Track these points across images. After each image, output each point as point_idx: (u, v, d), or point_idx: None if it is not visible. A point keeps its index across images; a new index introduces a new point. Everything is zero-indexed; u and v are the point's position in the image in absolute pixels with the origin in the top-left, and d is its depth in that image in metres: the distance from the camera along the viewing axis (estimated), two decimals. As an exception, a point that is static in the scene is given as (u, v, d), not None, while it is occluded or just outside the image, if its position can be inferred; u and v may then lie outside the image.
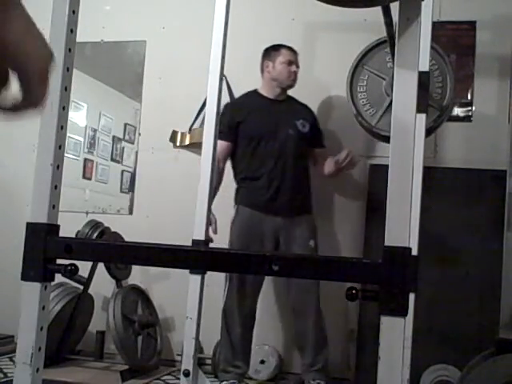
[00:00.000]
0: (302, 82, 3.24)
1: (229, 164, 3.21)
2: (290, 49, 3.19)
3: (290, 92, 3.24)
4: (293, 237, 3.05)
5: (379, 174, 3.17)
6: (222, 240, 2.92)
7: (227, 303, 3.04)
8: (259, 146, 3.09)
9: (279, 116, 3.15)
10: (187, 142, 3.64)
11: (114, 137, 3.94)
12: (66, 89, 1.29)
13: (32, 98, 0.62)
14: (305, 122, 3.16)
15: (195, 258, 1.26)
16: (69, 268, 1.26)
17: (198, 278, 2.09)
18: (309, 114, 3.25)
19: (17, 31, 0.60)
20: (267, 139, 3.09)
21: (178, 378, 2.79)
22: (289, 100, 3.24)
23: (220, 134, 3.10)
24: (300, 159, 3.13)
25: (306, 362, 3.04)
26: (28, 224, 1.27)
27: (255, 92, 3.23)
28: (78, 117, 3.94)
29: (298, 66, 3.19)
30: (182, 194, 3.42)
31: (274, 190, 3.05)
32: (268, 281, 3.36)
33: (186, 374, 2.07)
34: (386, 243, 1.09)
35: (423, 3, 1.15)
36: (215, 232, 3.00)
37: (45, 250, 1.24)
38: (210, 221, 3.09)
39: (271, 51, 3.19)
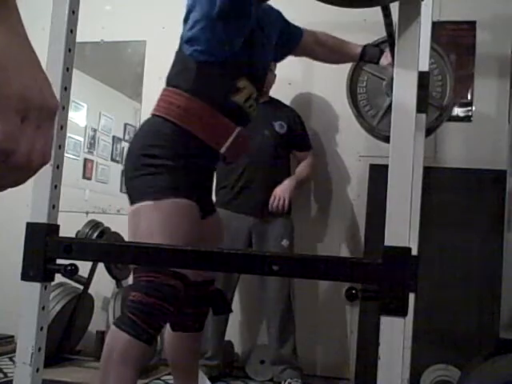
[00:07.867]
0: (303, 82, 3.23)
1: None
2: None
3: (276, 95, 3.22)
4: (265, 236, 3.04)
5: (379, 173, 3.17)
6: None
7: None
8: None
9: (255, 117, 3.15)
10: (187, 142, 3.64)
11: (113, 137, 3.94)
12: (65, 89, 1.29)
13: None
14: (283, 124, 3.14)
15: (195, 258, 1.26)
16: (69, 268, 1.26)
17: (197, 278, 2.08)
18: (290, 117, 3.21)
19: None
20: None
21: (178, 378, 2.78)
22: (270, 102, 3.22)
23: None
24: (277, 159, 3.09)
25: (272, 348, 3.06)
26: (28, 224, 1.26)
27: None
28: (77, 117, 3.94)
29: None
30: (182, 194, 3.42)
31: (247, 189, 3.05)
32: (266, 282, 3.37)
33: (186, 373, 2.06)
34: (386, 243, 1.09)
35: (423, 3, 1.15)
36: None
37: (45, 250, 1.24)
38: None
39: None
